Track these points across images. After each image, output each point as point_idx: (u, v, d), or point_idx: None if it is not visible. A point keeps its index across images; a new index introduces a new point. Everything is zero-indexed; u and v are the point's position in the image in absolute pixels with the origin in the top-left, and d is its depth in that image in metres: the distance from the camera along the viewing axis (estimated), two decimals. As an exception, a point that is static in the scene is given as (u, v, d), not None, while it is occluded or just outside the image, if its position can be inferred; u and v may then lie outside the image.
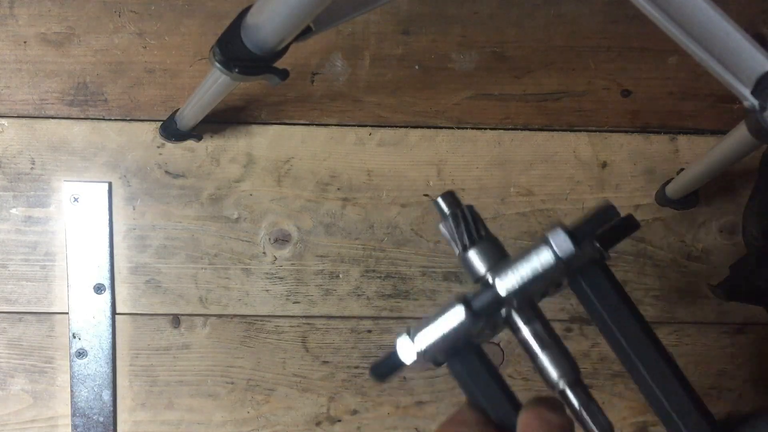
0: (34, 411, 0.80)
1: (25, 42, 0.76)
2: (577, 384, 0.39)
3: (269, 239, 0.79)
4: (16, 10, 0.76)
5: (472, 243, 0.42)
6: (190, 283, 0.79)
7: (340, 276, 0.79)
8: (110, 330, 0.79)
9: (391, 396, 0.82)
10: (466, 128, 0.79)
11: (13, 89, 0.77)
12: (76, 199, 0.77)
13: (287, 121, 0.78)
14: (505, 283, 0.38)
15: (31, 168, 0.77)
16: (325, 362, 0.81)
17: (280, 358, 0.80)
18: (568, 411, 0.39)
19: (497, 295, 0.38)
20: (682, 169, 0.77)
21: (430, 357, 0.39)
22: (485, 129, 0.79)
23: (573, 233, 0.38)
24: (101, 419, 0.80)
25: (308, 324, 0.80)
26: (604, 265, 0.41)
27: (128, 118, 0.77)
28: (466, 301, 0.39)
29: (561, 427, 0.37)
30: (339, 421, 0.82)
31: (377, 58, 0.78)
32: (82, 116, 0.77)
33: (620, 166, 0.80)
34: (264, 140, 0.78)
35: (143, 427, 0.81)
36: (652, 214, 0.80)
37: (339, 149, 0.79)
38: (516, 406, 0.39)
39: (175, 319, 0.79)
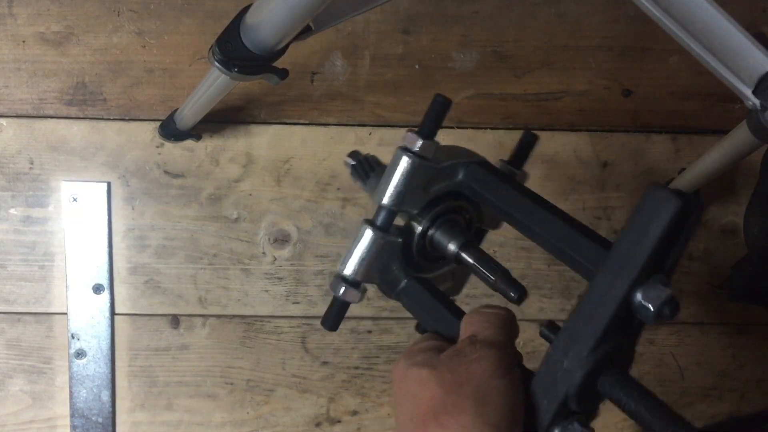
0: (32, 412, 0.80)
1: (23, 41, 0.76)
2: (468, 245, 0.44)
3: (269, 239, 0.79)
4: (15, 9, 0.75)
5: (367, 175, 0.49)
6: (190, 284, 0.79)
7: (340, 276, 0.79)
8: (109, 330, 0.78)
9: (391, 396, 0.82)
10: (467, 128, 0.79)
11: (12, 89, 0.76)
12: (74, 199, 0.77)
13: (287, 121, 0.78)
14: (383, 193, 0.43)
15: (30, 168, 0.77)
16: (324, 363, 0.80)
17: (280, 359, 0.80)
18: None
19: (383, 205, 0.43)
20: (683, 169, 0.76)
21: (362, 282, 0.44)
22: (486, 129, 0.79)
23: (419, 131, 0.44)
24: (100, 420, 0.80)
25: (308, 324, 0.80)
26: (485, 163, 0.47)
27: (127, 118, 0.77)
28: (370, 222, 0.44)
29: (500, 315, 0.41)
30: (339, 421, 0.82)
31: (377, 58, 0.78)
32: (81, 116, 0.77)
33: (621, 166, 0.80)
34: (263, 140, 0.78)
35: (142, 427, 0.81)
36: (653, 214, 0.80)
37: (339, 149, 0.78)
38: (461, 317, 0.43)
39: (175, 320, 0.79)
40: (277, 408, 0.81)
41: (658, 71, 0.79)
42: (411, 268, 0.46)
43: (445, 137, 0.78)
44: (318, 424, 0.81)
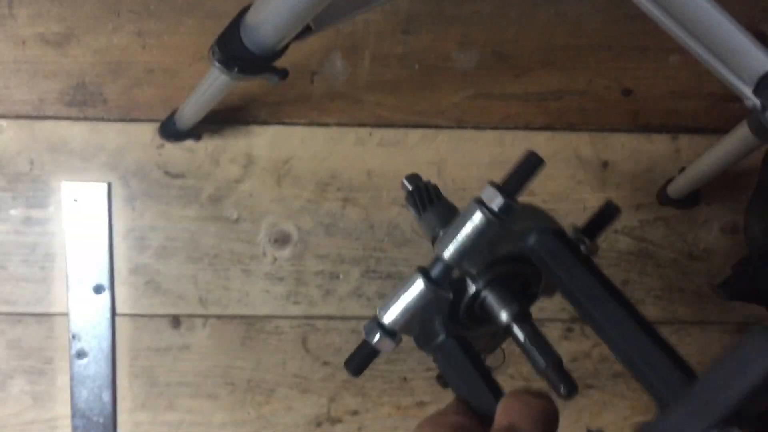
0: (33, 412, 0.80)
1: (24, 42, 0.76)
2: (522, 318, 0.40)
3: (269, 239, 0.79)
4: (15, 10, 0.75)
5: (424, 206, 0.46)
6: (190, 284, 0.79)
7: (341, 276, 0.79)
8: (110, 331, 0.78)
9: (391, 397, 0.82)
10: (467, 128, 0.79)
11: (12, 89, 0.76)
12: (75, 200, 0.77)
13: (287, 121, 0.78)
14: (446, 246, 0.39)
15: (30, 168, 0.77)
16: (325, 363, 0.80)
17: (281, 359, 0.80)
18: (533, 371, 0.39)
19: (444, 260, 0.39)
20: (683, 169, 0.76)
21: (399, 333, 0.41)
22: (486, 129, 0.79)
23: (502, 187, 0.39)
24: (101, 420, 0.80)
25: (308, 324, 0.80)
26: (561, 232, 0.42)
27: (127, 119, 0.77)
28: (424, 271, 0.40)
29: (542, 408, 0.36)
30: (340, 421, 0.82)
31: (377, 58, 0.78)
32: (81, 116, 0.77)
33: (621, 166, 0.79)
34: (263, 140, 0.78)
35: (143, 428, 0.81)
36: (653, 213, 0.80)
37: (339, 149, 0.78)
38: (499, 395, 0.39)
39: (175, 320, 0.79)
40: (277, 408, 0.81)
41: (658, 71, 0.79)
42: (452, 323, 0.42)
43: (445, 137, 0.79)
44: (319, 424, 0.81)
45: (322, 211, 0.79)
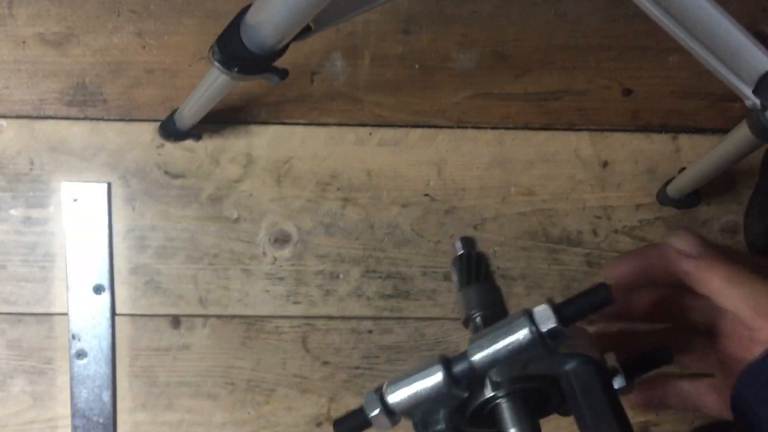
0: (33, 412, 0.80)
1: (23, 42, 0.76)
2: None
3: (269, 239, 0.79)
4: (14, 9, 0.75)
5: (469, 281, 0.42)
6: (190, 284, 0.79)
7: (341, 276, 0.79)
8: (110, 331, 0.78)
9: None
10: (467, 128, 0.79)
11: (12, 89, 0.76)
12: (75, 200, 0.77)
13: (287, 121, 0.78)
14: (480, 351, 0.37)
15: (30, 168, 0.77)
16: (325, 363, 0.80)
17: (281, 359, 0.80)
18: None
19: (472, 363, 0.37)
20: (683, 169, 0.76)
21: (400, 414, 0.38)
22: (486, 128, 0.79)
23: (558, 308, 0.36)
24: (101, 420, 0.80)
25: (308, 324, 0.80)
26: (601, 365, 0.39)
27: (127, 119, 0.77)
28: (446, 363, 0.37)
29: None
30: (339, 421, 0.82)
31: (377, 58, 0.78)
32: (81, 116, 0.77)
33: (621, 166, 0.80)
34: (263, 140, 0.78)
35: (143, 428, 0.81)
36: (653, 213, 0.80)
37: (339, 149, 0.78)
38: None
39: (175, 320, 0.79)
40: (278, 408, 0.81)
41: (658, 71, 0.79)
42: (455, 417, 0.40)
43: (445, 137, 0.79)
44: (319, 424, 0.81)
45: (322, 211, 0.79)
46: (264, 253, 0.79)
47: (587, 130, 0.79)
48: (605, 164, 0.80)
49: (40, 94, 0.77)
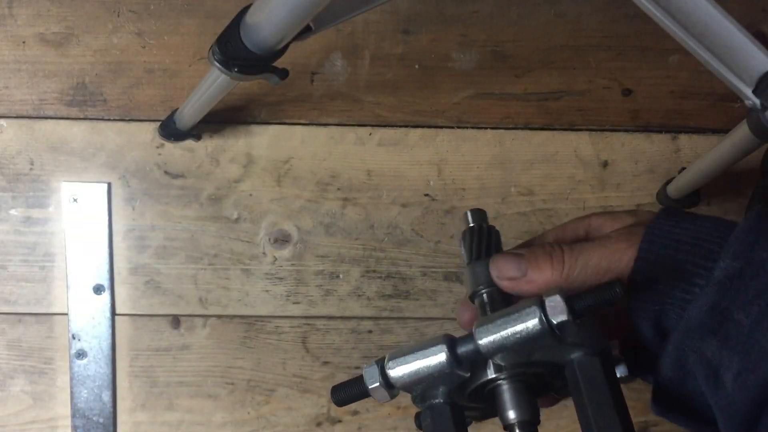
0: (33, 412, 0.80)
1: (24, 42, 0.76)
2: (527, 428, 0.37)
3: (269, 239, 0.79)
4: (15, 10, 0.75)
5: (479, 254, 0.41)
6: (190, 284, 0.79)
7: (341, 276, 0.79)
8: (110, 331, 0.78)
9: None
10: (467, 128, 0.79)
11: (12, 89, 0.76)
12: (75, 200, 0.77)
13: (287, 121, 0.78)
14: (486, 336, 0.36)
15: (30, 168, 0.77)
16: (325, 363, 0.80)
17: (281, 359, 0.80)
18: None
19: (478, 346, 0.36)
20: (683, 169, 0.76)
21: (399, 389, 0.38)
22: (486, 128, 0.79)
23: (570, 302, 0.35)
24: (101, 420, 0.80)
25: (308, 324, 0.80)
26: (607, 354, 0.39)
27: (127, 118, 0.77)
28: (450, 343, 0.37)
29: None
30: (339, 421, 0.82)
31: (377, 58, 0.78)
32: (81, 116, 0.77)
33: (621, 166, 0.80)
34: (263, 140, 0.78)
35: (143, 428, 0.81)
36: (653, 213, 0.80)
37: (339, 149, 0.78)
38: None
39: (175, 320, 0.79)
40: (277, 408, 0.81)
41: (658, 71, 0.79)
42: (453, 393, 0.40)
43: (445, 137, 0.79)
44: (319, 424, 0.81)
45: (322, 211, 0.79)
46: (264, 253, 0.79)
47: (587, 130, 0.79)
48: (605, 164, 0.80)
49: (40, 94, 0.77)
